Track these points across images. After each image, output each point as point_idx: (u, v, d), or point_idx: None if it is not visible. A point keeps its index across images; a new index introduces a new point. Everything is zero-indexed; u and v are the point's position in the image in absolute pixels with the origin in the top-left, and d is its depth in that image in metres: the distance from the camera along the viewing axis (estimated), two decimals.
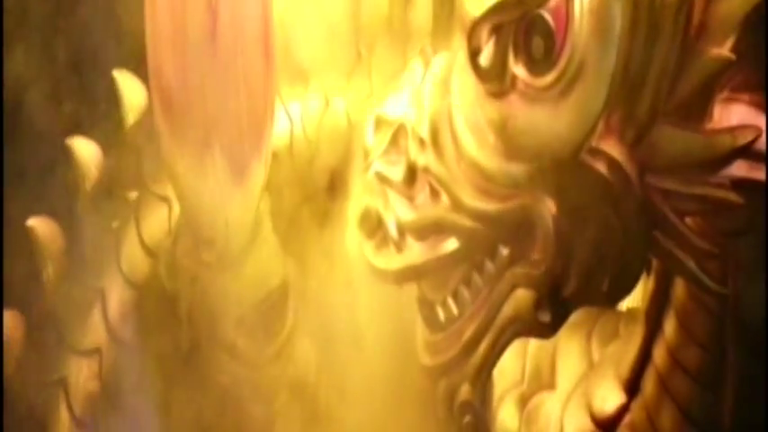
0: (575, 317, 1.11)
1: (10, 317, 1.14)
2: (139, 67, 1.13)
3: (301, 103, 1.25)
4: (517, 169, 0.97)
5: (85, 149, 1.19)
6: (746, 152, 0.94)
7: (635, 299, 1.13)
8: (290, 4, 1.20)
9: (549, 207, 0.97)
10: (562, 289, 1.00)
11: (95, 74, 1.15)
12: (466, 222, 1.00)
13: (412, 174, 1.01)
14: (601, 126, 0.95)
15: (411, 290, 1.09)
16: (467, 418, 1.07)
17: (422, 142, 1.01)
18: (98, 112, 1.17)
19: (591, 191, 0.96)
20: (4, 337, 1.13)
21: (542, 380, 1.13)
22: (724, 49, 0.92)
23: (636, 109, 0.94)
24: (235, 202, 1.14)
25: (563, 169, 0.96)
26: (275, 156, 1.20)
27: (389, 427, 1.19)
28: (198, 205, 1.14)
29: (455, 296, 1.05)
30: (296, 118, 1.25)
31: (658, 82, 0.93)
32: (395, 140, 1.03)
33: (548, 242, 0.98)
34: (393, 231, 1.03)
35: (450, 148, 1.00)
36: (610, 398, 1.07)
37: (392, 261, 1.04)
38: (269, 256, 1.19)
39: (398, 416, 1.18)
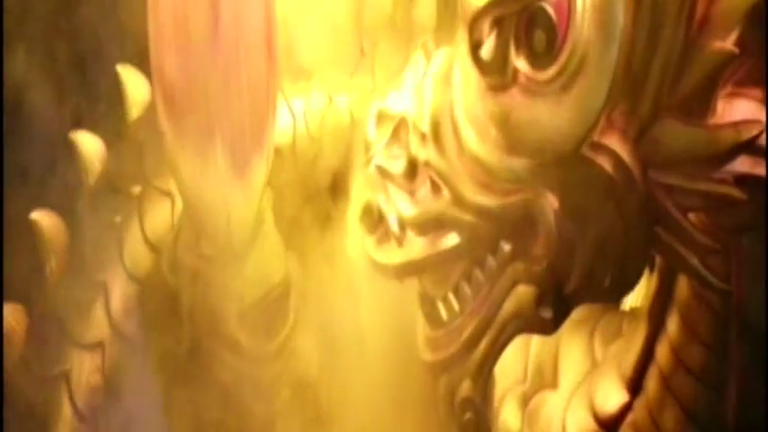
0: (577, 315, 1.09)
1: (13, 310, 1.13)
2: (142, 64, 1.13)
3: (304, 99, 1.25)
4: (518, 164, 0.95)
5: (89, 144, 1.18)
6: (750, 147, 0.92)
7: (638, 298, 1.11)
8: (293, 2, 1.19)
9: (550, 202, 0.95)
10: (564, 285, 0.98)
11: (98, 71, 1.15)
12: (467, 217, 0.98)
13: (413, 168, 1.00)
14: (603, 121, 0.93)
15: (412, 286, 1.08)
16: (468, 415, 1.05)
17: (423, 136, 1.00)
18: (101, 108, 1.17)
19: (593, 186, 0.94)
20: (7, 331, 1.12)
21: (545, 379, 1.11)
22: (727, 43, 0.90)
23: (638, 103, 0.92)
24: (237, 198, 1.13)
25: (565, 164, 0.94)
26: (278, 152, 1.20)
27: (391, 424, 1.17)
28: (200, 201, 1.14)
29: (456, 292, 1.03)
30: (299, 114, 1.25)
31: (661, 76, 0.92)
32: (396, 135, 1.01)
33: (549, 238, 0.96)
34: (394, 226, 1.01)
35: (451, 142, 0.98)
36: (612, 397, 1.05)
37: (393, 256, 1.02)
38: (270, 252, 1.18)
39: (400, 413, 1.17)
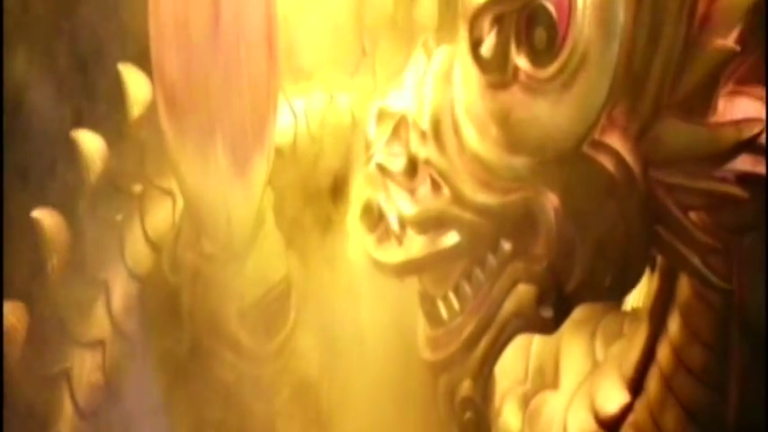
0: (578, 315, 1.08)
1: (14, 308, 1.13)
2: (143, 64, 1.13)
3: (305, 99, 1.24)
4: (519, 162, 0.94)
5: (90, 142, 1.18)
6: (751, 146, 0.91)
7: (640, 298, 1.10)
8: (294, 2, 1.19)
9: (551, 200, 0.94)
10: (564, 284, 0.97)
11: (99, 70, 1.14)
12: (467, 215, 0.97)
13: (413, 166, 0.99)
14: (603, 119, 0.92)
15: (412, 285, 1.07)
16: (468, 415, 1.04)
17: (423, 134, 0.99)
18: (102, 106, 1.16)
19: (594, 184, 0.93)
20: (8, 329, 1.12)
21: (546, 379, 1.10)
22: (729, 41, 0.89)
23: (639, 101, 0.91)
24: (237, 197, 1.13)
25: (565, 162, 0.93)
26: (279, 152, 1.20)
27: (391, 423, 1.16)
28: (200, 199, 1.13)
29: (456, 291, 1.02)
30: (300, 114, 1.24)
31: (662, 74, 0.90)
32: (396, 133, 1.00)
33: (550, 236, 0.95)
34: (394, 224, 1.00)
35: (451, 140, 0.97)
36: (613, 397, 1.04)
37: (393, 254, 1.01)
38: (271, 251, 1.18)
39: (400, 412, 1.16)
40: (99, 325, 1.17)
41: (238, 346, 1.17)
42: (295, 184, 1.21)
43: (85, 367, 1.17)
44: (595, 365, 1.09)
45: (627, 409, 1.03)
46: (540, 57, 0.91)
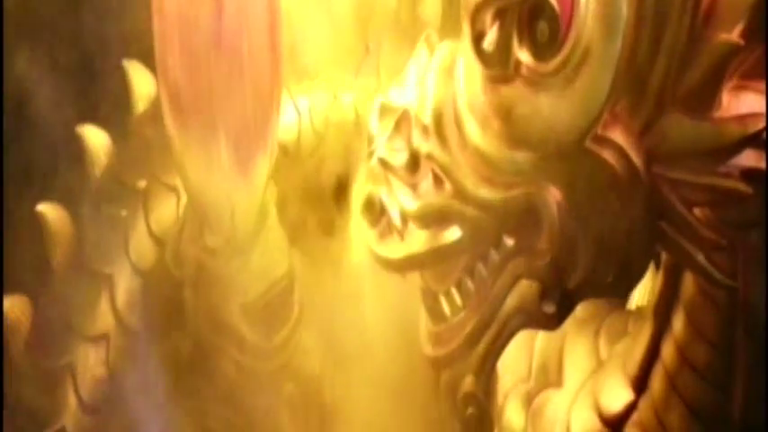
0: (582, 314, 1.07)
1: (18, 302, 1.12)
2: (147, 62, 1.12)
3: (309, 97, 1.24)
4: (521, 157, 0.93)
5: (95, 137, 1.17)
6: (756, 141, 0.89)
7: (644, 297, 1.08)
8: (298, 2, 1.18)
9: (553, 196, 0.93)
10: (567, 280, 0.95)
11: (104, 66, 1.14)
12: (469, 211, 0.96)
13: (415, 161, 0.98)
14: (606, 113, 0.90)
15: (415, 281, 1.06)
16: (470, 410, 1.03)
17: (425, 129, 0.97)
18: (107, 102, 1.15)
19: (597, 179, 0.91)
20: (13, 322, 1.11)
21: (549, 377, 1.08)
22: (733, 35, 0.87)
23: (642, 96, 0.90)
24: (240, 193, 1.12)
25: (568, 157, 0.91)
26: (283, 149, 1.19)
27: (394, 419, 1.15)
28: (204, 195, 1.13)
29: (459, 287, 1.01)
30: (304, 111, 1.24)
31: (666, 69, 0.89)
32: (398, 127, 0.99)
33: (552, 232, 0.93)
34: (396, 219, 0.99)
35: (453, 135, 0.96)
36: (617, 396, 1.02)
37: (395, 250, 1.00)
38: (274, 246, 1.17)
39: (403, 408, 1.14)
40: (103, 319, 1.17)
41: (241, 340, 1.16)
42: (298, 184, 1.21)
43: (89, 361, 1.16)
44: (599, 364, 1.07)
45: (631, 408, 1.02)
46: (542, 51, 0.90)
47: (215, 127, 1.08)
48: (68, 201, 1.14)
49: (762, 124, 0.89)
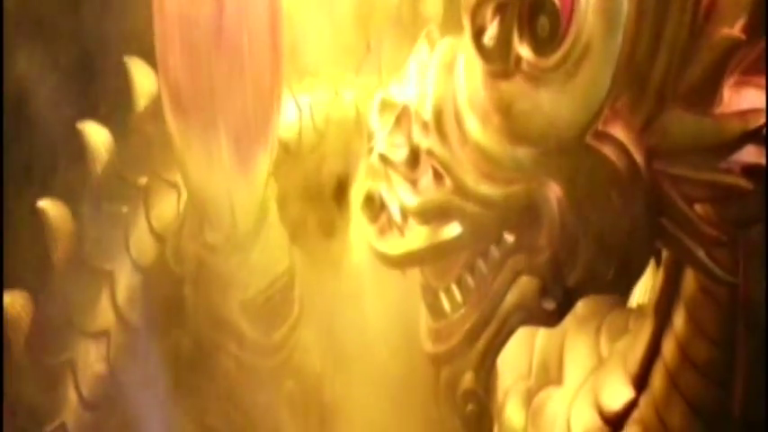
0: (583, 312, 1.06)
1: (19, 298, 1.12)
2: (147, 59, 1.12)
3: (310, 94, 1.23)
4: (522, 152, 0.92)
5: (96, 134, 1.17)
6: (757, 137, 0.88)
7: (645, 295, 1.07)
8: (298, 0, 1.17)
9: (554, 191, 0.92)
10: (567, 276, 0.94)
11: (104, 64, 1.13)
12: (469, 206, 0.95)
13: (415, 157, 0.97)
14: (607, 109, 0.89)
15: (415, 278, 1.05)
16: (470, 407, 1.02)
17: (425, 125, 0.97)
18: (107, 100, 1.15)
19: (597, 175, 0.91)
20: (13, 317, 1.11)
21: (550, 375, 1.07)
22: (734, 30, 0.86)
23: (643, 92, 0.89)
24: (240, 189, 1.11)
25: (568, 153, 0.91)
26: (284, 146, 1.19)
27: (394, 416, 1.14)
28: (204, 191, 1.12)
29: (459, 283, 1.00)
30: (305, 108, 1.23)
31: (667, 64, 0.88)
32: (398, 123, 0.99)
33: (552, 228, 0.93)
34: (396, 215, 0.98)
35: (453, 131, 0.95)
36: (618, 393, 1.01)
37: (395, 246, 0.99)
38: (275, 242, 1.17)
39: (403, 405, 1.13)
40: (103, 316, 1.16)
41: (241, 337, 1.15)
42: (299, 183, 1.20)
43: (90, 358, 1.16)
44: (600, 361, 1.06)
45: (631, 405, 1.00)
46: (542, 46, 0.89)
47: (215, 124, 1.07)
48: (69, 197, 1.14)
49: (762, 120, 0.88)
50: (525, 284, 0.95)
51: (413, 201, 0.98)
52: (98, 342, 1.15)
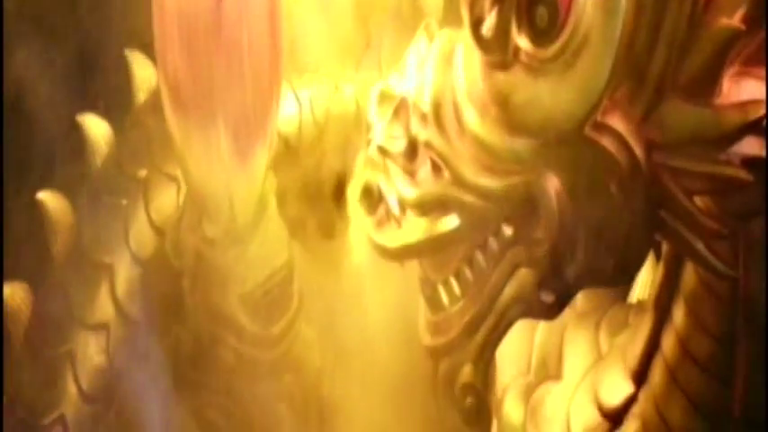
0: (583, 307, 1.04)
1: (18, 290, 1.11)
2: (146, 52, 1.11)
3: (310, 89, 1.22)
4: (520, 144, 0.91)
5: (96, 127, 1.16)
6: (756, 128, 0.86)
7: (645, 291, 1.06)
8: None
9: (552, 183, 0.90)
10: (566, 269, 0.93)
11: (104, 57, 1.12)
12: (468, 198, 0.94)
13: (413, 148, 0.96)
14: (606, 100, 0.88)
15: (415, 274, 1.04)
16: (468, 400, 1.01)
17: (423, 117, 0.95)
18: (107, 93, 1.14)
19: (596, 167, 0.89)
20: (13, 309, 1.10)
21: (549, 370, 1.05)
22: (734, 20, 0.85)
23: (642, 83, 0.87)
24: (239, 183, 1.11)
25: (567, 144, 0.89)
26: (284, 141, 1.18)
27: (393, 410, 1.13)
28: (203, 184, 1.12)
29: (457, 276, 0.99)
30: (305, 103, 1.22)
31: (666, 54, 0.86)
32: (397, 115, 0.97)
33: (551, 220, 0.91)
34: (394, 207, 0.97)
35: (452, 122, 0.94)
36: (617, 388, 0.99)
37: (393, 238, 0.98)
38: (274, 236, 1.16)
39: (402, 399, 1.12)
40: (103, 308, 1.16)
41: (241, 330, 1.14)
42: (299, 178, 1.19)
43: (89, 350, 1.15)
44: (599, 356, 1.04)
45: (631, 401, 0.98)
46: (541, 36, 0.88)
47: (215, 118, 1.07)
48: (69, 190, 1.13)
49: (762, 111, 0.86)
50: (524, 277, 0.94)
51: (411, 192, 0.96)
52: (97, 334, 1.15)
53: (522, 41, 0.89)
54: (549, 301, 0.94)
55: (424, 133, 0.95)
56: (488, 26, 0.90)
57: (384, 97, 1.00)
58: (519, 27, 0.89)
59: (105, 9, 1.12)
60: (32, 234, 1.12)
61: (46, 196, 1.13)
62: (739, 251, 0.92)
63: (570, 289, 0.95)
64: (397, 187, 0.97)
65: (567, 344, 1.07)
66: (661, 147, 0.89)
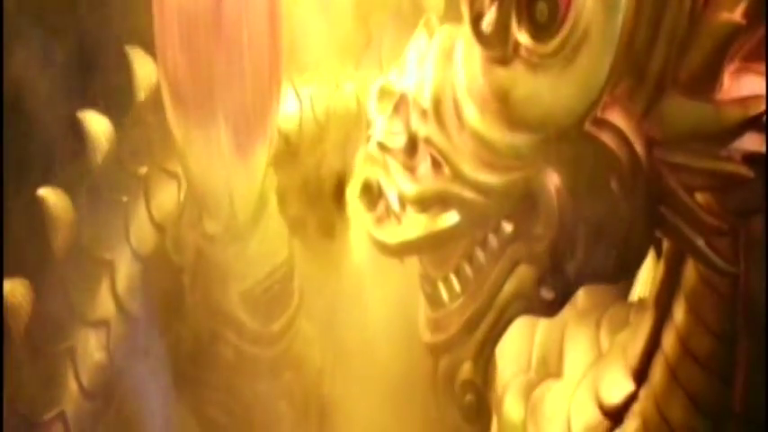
0: (583, 305, 1.03)
1: (19, 286, 1.10)
2: (147, 49, 1.10)
3: (311, 86, 1.22)
4: (520, 140, 0.90)
5: (97, 123, 1.15)
6: (757, 124, 0.86)
7: (646, 289, 1.05)
8: None
9: (552, 179, 0.90)
10: (566, 265, 0.93)
11: (105, 53, 1.12)
12: (468, 194, 0.93)
13: (413, 144, 0.96)
14: (606, 96, 0.87)
15: (416, 271, 1.03)
16: (468, 397, 1.00)
17: (423, 113, 0.95)
18: (108, 90, 1.13)
19: (596, 163, 0.89)
20: (13, 305, 1.09)
21: (549, 368, 1.04)
22: (734, 15, 0.84)
23: (643, 78, 0.87)
24: (240, 179, 1.10)
25: (567, 140, 0.88)
26: (285, 138, 1.17)
27: (393, 407, 1.12)
28: (203, 181, 1.11)
29: (457, 272, 0.99)
30: (305, 100, 1.22)
31: (666, 50, 0.85)
32: (397, 110, 0.97)
33: (551, 216, 0.91)
34: (394, 203, 0.97)
35: (452, 118, 0.93)
36: (618, 386, 0.98)
37: (393, 234, 0.98)
38: (274, 233, 1.15)
39: (402, 398, 1.11)
40: (103, 305, 1.15)
41: (240, 327, 1.14)
42: (299, 177, 1.18)
43: (90, 347, 1.14)
44: (600, 355, 1.03)
45: (631, 399, 0.97)
46: (541, 31, 0.87)
47: (215, 115, 1.06)
48: (69, 186, 1.12)
49: (763, 107, 0.85)
50: (524, 273, 0.94)
51: (411, 188, 0.96)
52: (98, 331, 1.14)
53: (522, 37, 0.89)
54: (550, 297, 0.94)
55: (423, 129, 0.95)
56: (488, 21, 0.90)
57: (384, 93, 1.00)
58: (519, 22, 0.88)
59: (105, 7, 1.11)
60: (33, 230, 1.11)
61: (46, 193, 1.12)
62: (740, 248, 0.91)
63: (570, 285, 0.95)
64: (396, 183, 0.96)
65: (567, 342, 1.06)
66: (661, 143, 0.88)
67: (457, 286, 0.99)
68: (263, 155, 1.09)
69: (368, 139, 0.99)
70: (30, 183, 1.11)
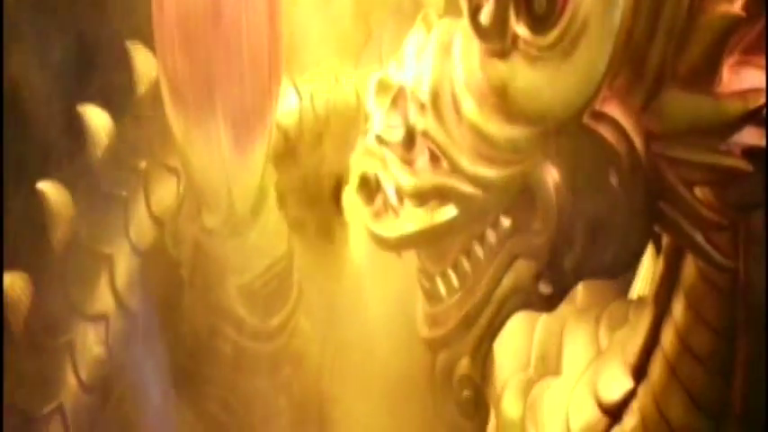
0: (583, 302, 1.02)
1: (18, 280, 1.09)
2: (147, 44, 1.09)
3: (310, 82, 1.20)
4: (518, 133, 0.89)
5: (97, 117, 1.14)
6: (757, 117, 0.84)
7: (646, 287, 1.03)
8: None
9: (550, 173, 0.88)
10: (564, 260, 0.91)
11: (104, 48, 1.10)
12: (466, 188, 0.92)
13: (411, 137, 0.94)
14: (605, 89, 0.85)
15: (413, 264, 1.02)
16: (466, 392, 0.98)
17: (422, 106, 0.94)
18: (108, 84, 1.12)
19: (594, 157, 0.87)
20: (12, 299, 1.08)
21: (548, 365, 1.03)
22: (734, 8, 0.82)
23: (642, 71, 0.85)
24: (238, 173, 1.08)
25: (565, 133, 0.87)
26: (284, 134, 1.16)
27: (392, 402, 1.10)
28: (202, 175, 1.09)
29: (455, 267, 0.97)
30: (305, 95, 1.20)
31: (665, 43, 0.84)
32: (395, 104, 0.95)
33: (549, 210, 0.89)
34: (392, 196, 0.95)
35: (450, 112, 0.92)
36: (616, 384, 0.96)
37: (391, 228, 0.96)
38: (273, 228, 1.13)
39: (400, 393, 1.10)
40: (102, 299, 1.13)
41: (239, 321, 1.12)
42: (299, 176, 1.17)
43: (88, 340, 1.13)
44: (599, 352, 1.01)
45: (630, 396, 0.96)
46: (539, 24, 0.85)
47: (214, 110, 1.05)
48: (69, 180, 1.11)
49: (763, 100, 0.84)
50: (522, 268, 0.92)
51: (409, 182, 0.95)
52: (97, 325, 1.12)
53: (520, 29, 0.87)
54: (548, 292, 0.92)
55: (422, 122, 0.94)
56: (487, 13, 0.88)
57: (382, 86, 0.98)
58: (517, 14, 0.87)
59: (105, 4, 1.10)
60: (32, 224, 1.10)
61: (46, 187, 1.10)
62: (739, 243, 0.89)
63: (569, 280, 0.93)
64: (394, 177, 0.95)
65: (566, 339, 1.05)
66: (660, 136, 0.86)
67: (455, 281, 0.97)
68: (262, 150, 1.07)
69: (366, 132, 0.98)
70: (29, 178, 1.10)
